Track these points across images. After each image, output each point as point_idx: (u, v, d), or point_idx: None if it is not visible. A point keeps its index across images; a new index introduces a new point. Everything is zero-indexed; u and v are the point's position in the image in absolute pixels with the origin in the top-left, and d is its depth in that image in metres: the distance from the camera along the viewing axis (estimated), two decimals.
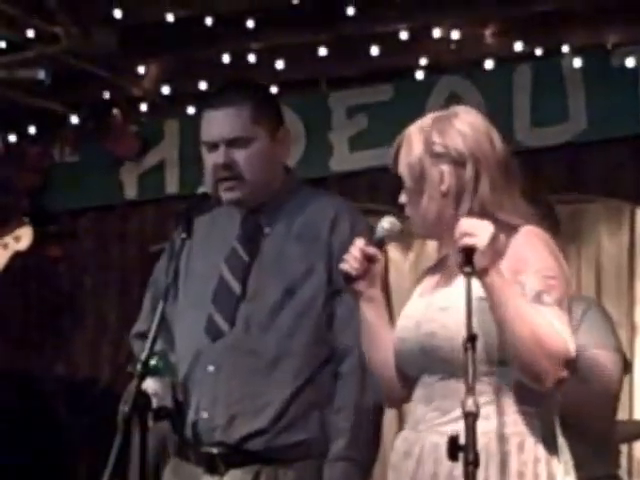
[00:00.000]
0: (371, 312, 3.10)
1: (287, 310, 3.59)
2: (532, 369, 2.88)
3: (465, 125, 3.08)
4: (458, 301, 2.87)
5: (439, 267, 3.15)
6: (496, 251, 2.91)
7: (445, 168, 3.00)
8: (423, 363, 3.02)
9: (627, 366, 4.12)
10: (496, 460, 2.88)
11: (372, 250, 3.01)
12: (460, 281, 2.90)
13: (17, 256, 4.57)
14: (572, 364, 2.93)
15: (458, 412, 2.77)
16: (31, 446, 5.51)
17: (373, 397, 3.52)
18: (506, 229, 2.99)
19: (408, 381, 3.10)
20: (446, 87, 5.59)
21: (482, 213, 2.96)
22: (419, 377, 3.07)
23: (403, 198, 3.07)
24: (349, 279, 3.05)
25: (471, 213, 2.97)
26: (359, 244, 3.04)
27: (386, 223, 3.05)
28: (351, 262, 3.01)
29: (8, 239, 4.53)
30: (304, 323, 3.57)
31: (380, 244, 3.05)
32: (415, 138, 3.05)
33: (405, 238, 3.45)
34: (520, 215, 3.03)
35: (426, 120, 3.10)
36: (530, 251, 3.00)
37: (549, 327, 2.88)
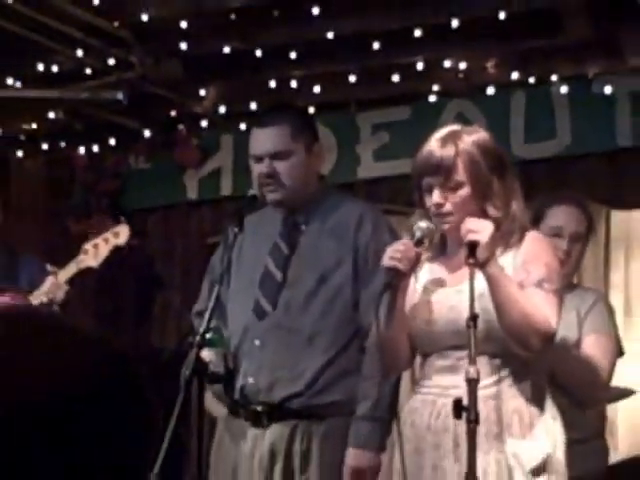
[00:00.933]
0: (401, 300, 3.16)
1: (320, 295, 3.67)
2: (520, 339, 3.04)
3: (485, 135, 3.21)
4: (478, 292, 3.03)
5: (443, 258, 3.27)
6: (504, 245, 3.11)
7: (485, 168, 3.13)
8: (450, 341, 3.14)
9: (621, 351, 4.10)
10: (494, 417, 3.03)
11: (416, 248, 3.10)
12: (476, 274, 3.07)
13: (116, 250, 4.55)
14: (552, 336, 3.12)
15: (488, 379, 2.98)
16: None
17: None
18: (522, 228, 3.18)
19: (414, 356, 3.31)
20: (454, 109, 5.57)
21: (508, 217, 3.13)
22: (442, 350, 3.21)
23: (437, 198, 3.13)
24: (398, 273, 3.08)
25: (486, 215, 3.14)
26: (408, 245, 3.10)
27: (423, 224, 3.12)
28: (399, 258, 3.06)
29: (108, 235, 4.48)
30: (334, 306, 3.65)
31: (419, 243, 3.09)
32: (448, 144, 3.13)
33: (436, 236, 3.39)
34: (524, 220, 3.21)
35: (451, 131, 3.21)
36: (538, 247, 3.15)
37: (535, 308, 3.03)
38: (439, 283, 3.27)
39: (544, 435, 3.14)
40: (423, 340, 3.24)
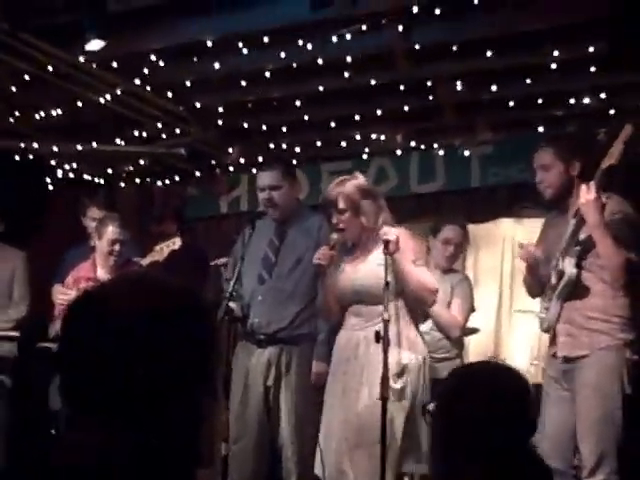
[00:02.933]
0: (328, 278, 3.45)
1: (297, 270, 3.88)
2: (417, 297, 3.28)
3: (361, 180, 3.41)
4: (375, 266, 3.26)
5: (352, 250, 3.47)
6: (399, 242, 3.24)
7: (367, 204, 3.36)
8: (356, 298, 3.37)
9: (473, 308, 4.40)
10: (395, 341, 3.21)
11: (332, 251, 3.40)
12: (373, 256, 3.33)
13: (172, 252, 4.43)
14: (436, 291, 3.34)
15: (377, 319, 3.11)
16: None
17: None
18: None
19: (341, 309, 3.46)
20: (377, 163, 5.73)
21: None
22: (351, 305, 3.40)
23: (341, 221, 3.41)
24: (321, 267, 3.41)
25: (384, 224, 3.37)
26: (326, 249, 3.38)
27: (334, 236, 3.42)
28: (323, 257, 3.37)
29: (169, 242, 4.44)
30: (305, 276, 3.86)
31: (332, 248, 3.41)
32: (346, 188, 3.37)
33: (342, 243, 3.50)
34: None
35: (343, 180, 3.42)
36: (407, 242, 3.30)
37: (424, 275, 3.30)
38: (348, 267, 3.48)
39: (407, 349, 3.31)
40: (342, 298, 3.48)
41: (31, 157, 5.87)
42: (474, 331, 4.78)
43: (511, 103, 4.89)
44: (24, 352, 4.98)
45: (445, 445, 1.48)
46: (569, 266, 3.30)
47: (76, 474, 1.04)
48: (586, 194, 3.14)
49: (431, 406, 1.72)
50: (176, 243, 4.43)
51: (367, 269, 3.29)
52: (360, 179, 3.41)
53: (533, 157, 3.47)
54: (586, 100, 4.80)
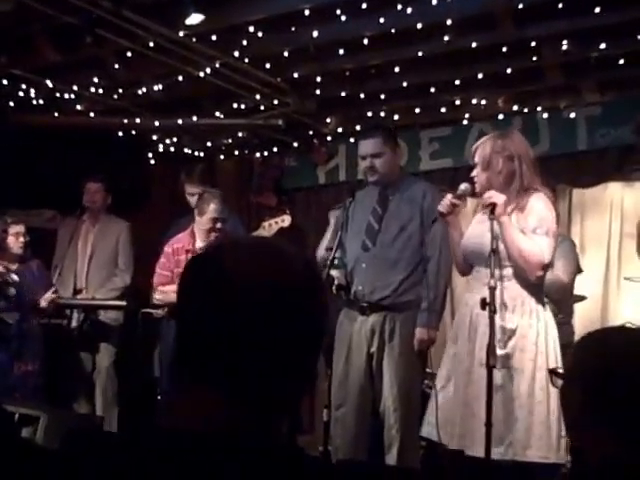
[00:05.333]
0: (454, 232, 3.40)
1: (401, 238, 3.94)
2: (520, 268, 3.16)
3: (514, 137, 3.34)
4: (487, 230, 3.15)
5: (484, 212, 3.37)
6: (516, 206, 3.13)
7: (501, 160, 3.24)
8: (478, 258, 3.28)
9: (579, 269, 4.45)
10: (510, 306, 3.18)
11: (455, 200, 3.32)
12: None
13: (281, 229, 4.59)
14: (544, 266, 3.17)
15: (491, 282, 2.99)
16: None
17: (443, 282, 3.90)
18: (531, 192, 3.21)
19: (469, 265, 3.41)
20: (477, 129, 5.60)
21: (522, 187, 3.19)
22: (475, 265, 3.34)
23: (474, 173, 3.29)
24: (443, 215, 3.33)
25: (518, 187, 3.19)
26: (449, 197, 3.31)
27: (463, 186, 3.32)
28: (445, 206, 3.31)
29: (278, 219, 4.59)
30: (409, 244, 3.92)
31: (459, 197, 3.34)
32: (486, 143, 3.30)
33: (471, 195, 3.43)
34: (538, 186, 3.24)
35: (491, 135, 3.36)
36: (536, 204, 3.18)
37: (532, 246, 3.12)
38: (476, 225, 3.43)
39: (532, 316, 3.20)
40: (467, 256, 3.39)
41: (133, 133, 6.02)
42: (581, 298, 4.76)
43: (621, 61, 4.72)
44: (129, 320, 5.13)
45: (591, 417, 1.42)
46: None
47: (185, 439, 1.03)
48: None
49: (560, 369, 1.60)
50: (285, 221, 4.52)
51: (483, 230, 3.24)
52: (508, 137, 3.32)
53: None
54: None
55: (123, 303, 5.14)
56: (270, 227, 4.52)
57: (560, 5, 4.08)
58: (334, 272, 3.80)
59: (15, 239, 4.77)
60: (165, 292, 4.52)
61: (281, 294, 1.10)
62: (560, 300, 4.17)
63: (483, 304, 2.93)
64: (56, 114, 5.46)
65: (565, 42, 4.52)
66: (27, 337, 4.67)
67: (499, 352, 2.99)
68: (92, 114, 5.61)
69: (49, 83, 5.13)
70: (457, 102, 5.50)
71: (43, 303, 4.77)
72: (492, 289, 2.94)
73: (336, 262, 3.70)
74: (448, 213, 3.28)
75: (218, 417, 1.07)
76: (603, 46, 4.52)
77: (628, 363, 1.37)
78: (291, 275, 1.13)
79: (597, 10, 4.11)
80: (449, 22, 4.29)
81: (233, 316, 1.08)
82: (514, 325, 3.13)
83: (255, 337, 1.07)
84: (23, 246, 4.81)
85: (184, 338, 1.12)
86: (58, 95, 5.30)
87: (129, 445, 1.06)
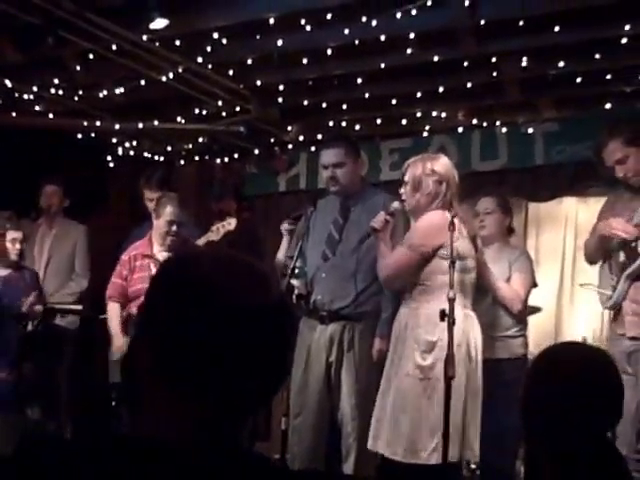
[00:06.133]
0: (384, 247, 3.57)
1: (360, 248, 3.92)
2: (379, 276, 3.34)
3: (443, 161, 3.51)
4: None
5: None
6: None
7: (431, 182, 3.42)
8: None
9: (535, 284, 4.29)
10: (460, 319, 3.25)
11: (388, 217, 3.52)
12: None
13: (228, 232, 4.53)
14: (384, 272, 3.38)
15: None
16: None
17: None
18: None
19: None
20: (437, 142, 5.70)
21: (444, 206, 3.38)
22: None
23: (403, 191, 3.50)
24: (376, 230, 3.54)
25: (442, 206, 3.40)
26: (382, 214, 3.52)
27: (395, 204, 3.54)
28: (378, 222, 3.49)
29: (225, 223, 4.54)
30: (368, 255, 3.87)
31: (392, 214, 3.53)
32: (417, 165, 3.47)
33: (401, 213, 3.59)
34: (455, 204, 3.38)
35: (421, 157, 3.54)
36: (418, 222, 3.38)
37: (388, 256, 3.41)
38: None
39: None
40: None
41: (93, 135, 5.96)
42: (536, 310, 4.74)
43: (578, 79, 4.81)
44: (85, 324, 5.10)
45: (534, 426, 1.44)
46: None
47: (151, 447, 1.03)
48: None
49: None
50: (232, 223, 4.49)
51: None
52: (438, 160, 3.47)
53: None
54: None
55: (79, 307, 5.11)
56: (218, 230, 4.51)
57: (521, 23, 4.15)
58: (294, 281, 3.80)
59: (12, 245, 4.74)
60: (110, 317, 4.53)
61: (249, 303, 1.09)
62: (517, 314, 4.15)
63: (442, 315, 2.98)
64: (14, 114, 5.41)
65: (525, 59, 4.61)
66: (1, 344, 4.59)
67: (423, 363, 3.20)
68: (51, 115, 5.57)
69: (8, 83, 5.09)
70: (418, 114, 5.58)
71: (24, 308, 4.71)
72: (451, 300, 3.00)
73: (297, 271, 3.73)
74: (381, 229, 3.43)
75: (183, 424, 1.06)
76: (561, 64, 4.62)
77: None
78: (259, 287, 1.12)
79: (556, 29, 4.19)
80: (412, 36, 4.36)
81: (199, 324, 1.07)
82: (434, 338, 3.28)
83: (222, 344, 1.06)
84: (19, 253, 4.78)
85: (152, 345, 1.10)
86: (17, 95, 5.27)
87: (86, 452, 1.04)
